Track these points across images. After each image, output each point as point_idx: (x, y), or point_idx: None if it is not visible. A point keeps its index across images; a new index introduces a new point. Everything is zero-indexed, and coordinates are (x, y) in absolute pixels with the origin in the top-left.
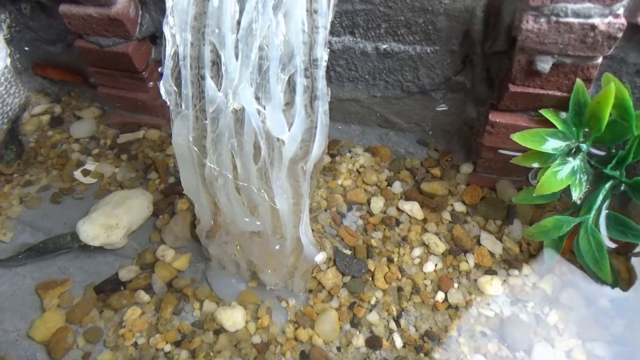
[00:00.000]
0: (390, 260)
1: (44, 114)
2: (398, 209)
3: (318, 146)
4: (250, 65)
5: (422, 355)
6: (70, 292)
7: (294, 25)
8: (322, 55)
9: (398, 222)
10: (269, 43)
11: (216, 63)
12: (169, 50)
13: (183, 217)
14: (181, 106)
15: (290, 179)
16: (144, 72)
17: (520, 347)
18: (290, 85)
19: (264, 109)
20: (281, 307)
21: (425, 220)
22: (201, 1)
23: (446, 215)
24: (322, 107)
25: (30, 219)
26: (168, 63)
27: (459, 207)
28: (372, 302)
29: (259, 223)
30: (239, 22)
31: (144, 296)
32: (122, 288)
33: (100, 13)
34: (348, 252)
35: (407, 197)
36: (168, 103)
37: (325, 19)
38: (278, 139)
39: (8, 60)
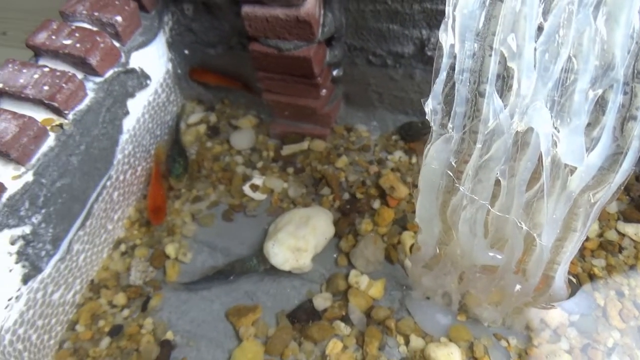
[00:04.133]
0: (620, 294)
1: (200, 123)
2: (618, 232)
3: (622, 176)
4: (550, 80)
5: None
6: (262, 319)
7: (620, 31)
8: None
9: (621, 248)
10: (579, 52)
11: (502, 77)
12: (444, 63)
13: (373, 240)
14: (446, 127)
15: (571, 214)
16: (319, 78)
17: None
18: (598, 104)
19: (558, 131)
20: (501, 347)
21: None
22: (492, 3)
23: None
24: (639, 131)
25: (205, 238)
26: (442, 77)
27: None
28: (609, 344)
29: (500, 257)
30: (539, 28)
31: (343, 328)
32: (318, 318)
33: (287, 14)
34: (573, 278)
35: (627, 218)
36: (432, 123)
37: None
38: (566, 166)
39: (170, 65)
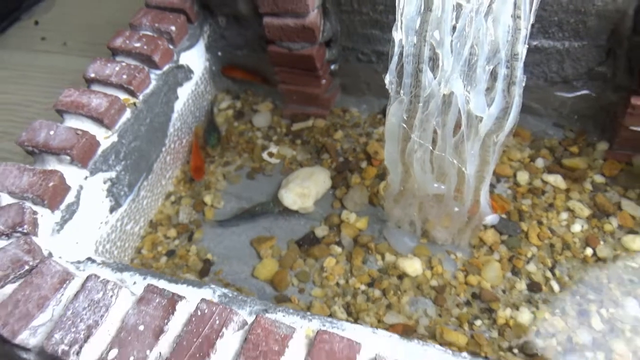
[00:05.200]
0: (540, 223)
1: (228, 108)
2: (543, 180)
3: (511, 122)
4: (461, 60)
5: (578, 297)
6: (277, 245)
7: (501, 28)
8: (522, 50)
9: (543, 192)
10: (479, 42)
11: (432, 59)
12: (396, 50)
13: (359, 189)
14: (399, 93)
15: (481, 150)
16: (320, 71)
17: None
18: (492, 75)
19: (469, 93)
20: (450, 259)
21: (568, 190)
22: (424, 12)
23: (587, 185)
24: (518, 91)
25: (234, 191)
26: (394, 60)
27: (599, 179)
28: (529, 255)
29: (443, 187)
30: (454, 27)
31: (337, 249)
32: (318, 242)
33: (296, 23)
34: (504, 215)
35: (550, 171)
36: (390, 91)
37: (527, 22)
38: (476, 117)
39: (207, 63)
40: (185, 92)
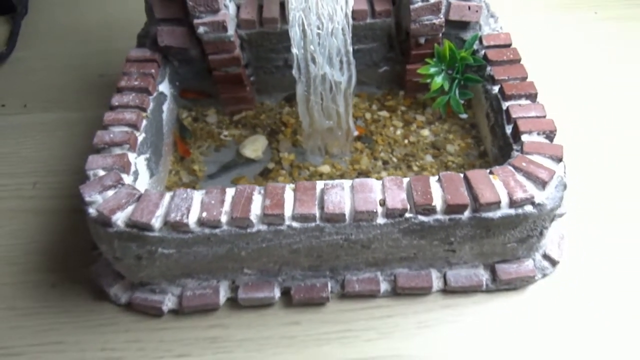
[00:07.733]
0: (381, 134)
1: (188, 117)
2: (378, 115)
3: (353, 82)
4: (325, 57)
5: (405, 163)
6: (248, 179)
7: (339, 40)
8: (350, 49)
9: (379, 120)
10: (331, 47)
11: (312, 58)
12: (294, 57)
13: (285, 140)
14: (301, 78)
15: (343, 98)
16: (245, 82)
17: (440, 148)
18: (340, 62)
19: (332, 71)
20: (343, 161)
21: (390, 117)
22: (304, 38)
23: (398, 112)
24: (353, 68)
25: (210, 160)
26: (295, 62)
27: (403, 108)
28: (379, 150)
29: (331, 122)
30: (319, 43)
31: (283, 172)
32: (271, 172)
33: (228, 56)
34: (364, 135)
35: (380, 110)
36: (296, 77)
37: (349, 36)
38: (338, 82)
39: (171, 90)
40: (165, 108)
